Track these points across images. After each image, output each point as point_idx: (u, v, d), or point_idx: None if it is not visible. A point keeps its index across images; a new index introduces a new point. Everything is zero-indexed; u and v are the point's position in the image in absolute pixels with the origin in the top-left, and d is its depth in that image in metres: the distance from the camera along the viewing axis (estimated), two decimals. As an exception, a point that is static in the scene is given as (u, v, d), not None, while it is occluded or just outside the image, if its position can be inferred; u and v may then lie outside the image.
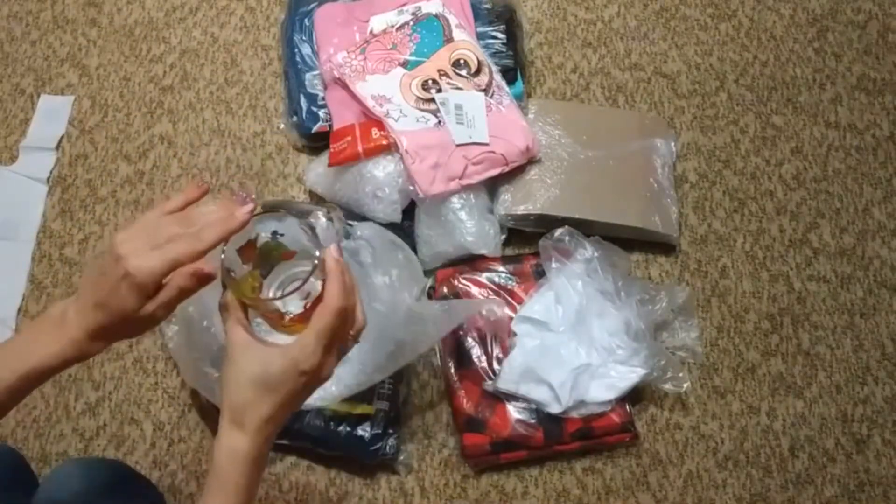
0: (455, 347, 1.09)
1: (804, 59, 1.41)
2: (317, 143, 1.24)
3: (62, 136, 1.29)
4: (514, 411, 1.06)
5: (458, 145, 1.13)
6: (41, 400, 1.10)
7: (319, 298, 0.61)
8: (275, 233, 0.63)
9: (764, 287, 1.22)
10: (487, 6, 1.30)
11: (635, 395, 1.11)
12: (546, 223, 1.16)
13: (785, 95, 1.38)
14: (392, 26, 1.24)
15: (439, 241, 1.13)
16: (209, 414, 1.08)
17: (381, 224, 1.13)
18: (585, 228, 1.14)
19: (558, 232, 1.13)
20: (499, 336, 1.10)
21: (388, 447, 1.03)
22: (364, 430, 1.02)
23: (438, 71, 1.19)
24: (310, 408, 1.01)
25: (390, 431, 1.04)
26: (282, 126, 1.29)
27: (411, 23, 1.23)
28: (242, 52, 1.36)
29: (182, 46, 1.37)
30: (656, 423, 1.12)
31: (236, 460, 0.59)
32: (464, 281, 1.13)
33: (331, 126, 1.19)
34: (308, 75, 1.26)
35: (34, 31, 1.38)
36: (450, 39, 1.22)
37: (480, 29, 1.28)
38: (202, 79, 1.34)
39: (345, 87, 1.18)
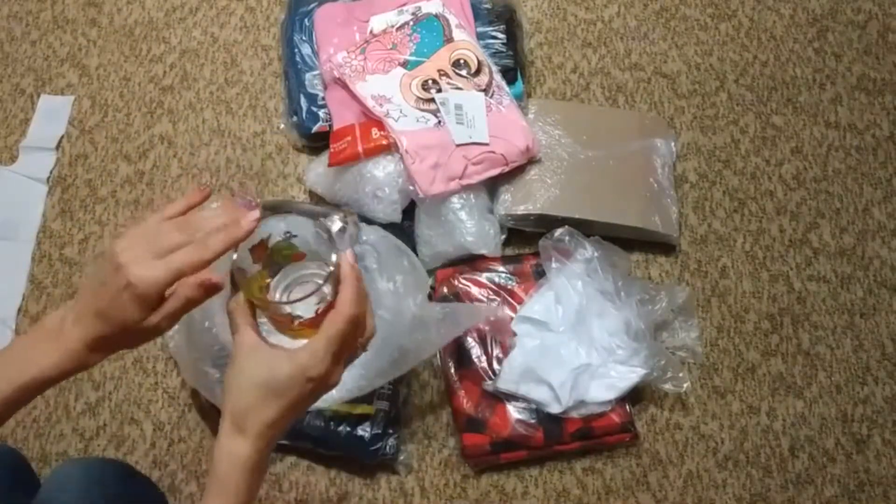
0: (455, 347, 1.09)
1: (804, 59, 1.41)
2: (317, 143, 1.24)
3: (62, 136, 1.29)
4: (514, 411, 1.06)
5: (458, 145, 1.13)
6: (41, 400, 1.10)
7: (331, 304, 0.60)
8: (288, 233, 0.62)
9: (764, 287, 1.22)
10: (487, 6, 1.30)
11: (635, 395, 1.11)
12: (546, 223, 1.16)
13: (785, 95, 1.38)
14: (392, 26, 1.24)
15: (439, 241, 1.13)
16: (209, 414, 1.08)
17: (380, 224, 1.13)
18: (585, 228, 1.14)
19: (558, 232, 1.13)
20: (499, 336, 1.10)
21: (388, 447, 1.03)
22: (364, 430, 1.02)
23: (438, 71, 1.19)
24: (310, 409, 1.01)
25: (390, 431, 1.04)
26: (282, 126, 1.29)
27: (411, 23, 1.23)
28: (242, 52, 1.36)
29: (182, 46, 1.37)
30: (656, 423, 1.12)
31: (236, 466, 0.58)
32: (464, 281, 1.13)
33: (331, 126, 1.19)
34: (308, 75, 1.26)
35: (34, 31, 1.38)
36: (450, 39, 1.22)
37: (480, 29, 1.28)
38: (202, 79, 1.34)
39: (345, 87, 1.18)
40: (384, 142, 1.11)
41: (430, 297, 1.12)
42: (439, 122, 1.14)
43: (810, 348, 1.18)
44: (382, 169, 1.11)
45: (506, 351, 1.08)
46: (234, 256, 0.59)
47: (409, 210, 1.16)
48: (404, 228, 1.16)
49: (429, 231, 1.14)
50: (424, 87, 1.17)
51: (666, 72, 1.38)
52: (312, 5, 1.31)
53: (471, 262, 1.15)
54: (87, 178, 1.26)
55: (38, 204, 1.23)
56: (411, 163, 1.09)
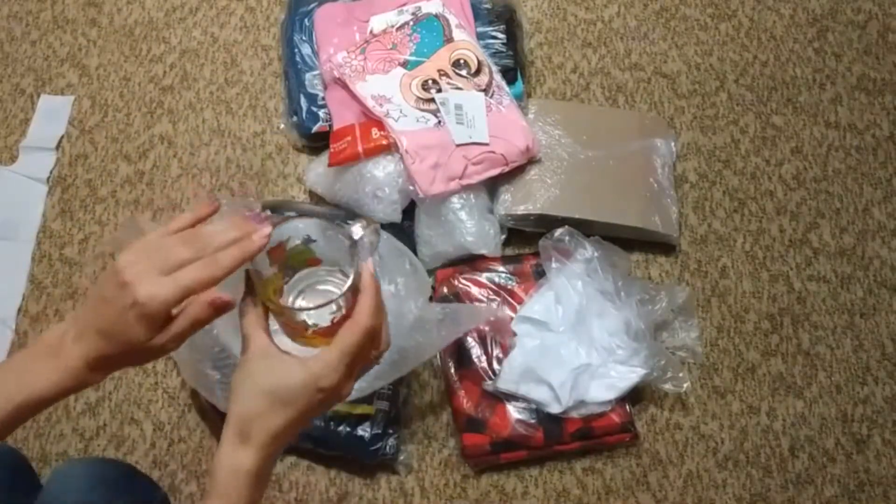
0: (455, 347, 1.09)
1: (804, 59, 1.41)
2: (317, 143, 1.24)
3: (62, 136, 1.29)
4: (514, 411, 1.06)
5: (458, 145, 1.13)
6: (41, 400, 1.10)
7: (347, 314, 0.58)
8: (308, 238, 0.60)
9: (764, 287, 1.22)
10: (487, 6, 1.30)
11: (635, 395, 1.11)
12: (546, 223, 1.16)
13: (785, 95, 1.38)
14: (392, 26, 1.24)
15: (439, 241, 1.13)
16: (209, 414, 1.08)
17: (381, 225, 1.13)
18: (585, 228, 1.14)
19: (558, 232, 1.13)
20: (499, 336, 1.10)
21: (388, 447, 1.03)
22: (364, 430, 1.02)
23: (438, 71, 1.19)
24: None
25: (390, 431, 1.04)
26: (282, 126, 1.29)
27: (411, 23, 1.23)
28: (242, 52, 1.36)
29: (182, 46, 1.37)
30: (656, 423, 1.12)
31: (238, 474, 0.56)
32: (464, 281, 1.13)
33: (331, 126, 1.19)
34: (308, 75, 1.26)
35: (34, 31, 1.38)
36: (450, 39, 1.22)
37: (480, 29, 1.28)
38: (202, 79, 1.34)
39: (345, 87, 1.18)
40: (384, 142, 1.11)
41: (430, 298, 1.12)
42: (439, 122, 1.14)
43: (810, 348, 1.18)
44: (382, 169, 1.11)
45: (506, 351, 1.08)
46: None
47: (409, 210, 1.16)
48: (404, 228, 1.16)
49: (429, 231, 1.14)
50: (424, 87, 1.17)
51: (666, 72, 1.38)
52: (312, 5, 1.31)
53: (471, 262, 1.15)
54: (87, 178, 1.26)
55: (38, 204, 1.23)
56: (411, 163, 1.09)
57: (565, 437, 1.05)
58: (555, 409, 1.04)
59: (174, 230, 0.58)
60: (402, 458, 1.06)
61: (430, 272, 1.14)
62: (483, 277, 1.14)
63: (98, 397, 1.10)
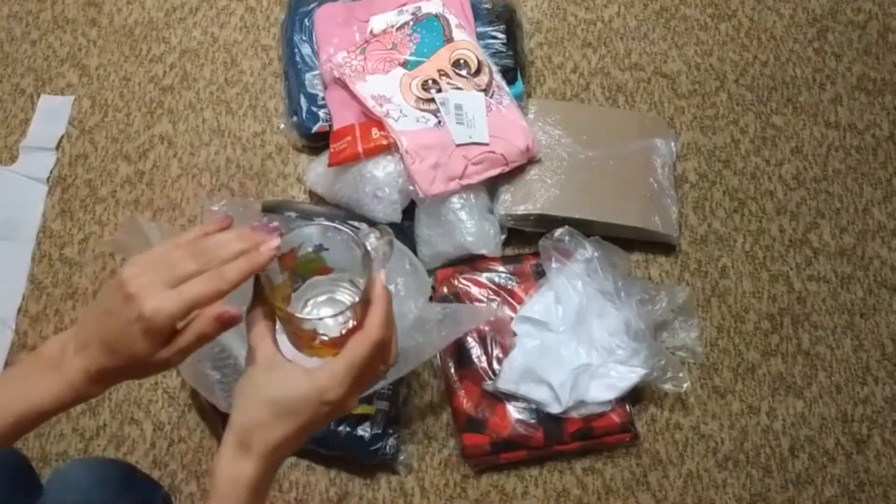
0: (455, 347, 1.09)
1: (804, 59, 1.41)
2: (317, 143, 1.24)
3: (62, 136, 1.29)
4: (514, 411, 1.06)
5: (458, 145, 1.13)
6: (41, 400, 1.10)
7: (356, 325, 0.57)
8: (320, 245, 0.59)
9: (764, 287, 1.22)
10: (487, 6, 1.30)
11: (635, 395, 1.11)
12: (546, 223, 1.16)
13: (785, 95, 1.38)
14: (392, 26, 1.24)
15: (439, 241, 1.13)
16: (209, 414, 1.08)
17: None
18: (585, 228, 1.14)
19: (558, 232, 1.13)
20: (499, 336, 1.10)
21: (388, 447, 1.03)
22: (364, 430, 1.02)
23: (438, 71, 1.19)
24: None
25: (390, 431, 1.04)
26: (282, 126, 1.29)
27: (411, 23, 1.23)
28: (242, 52, 1.36)
29: (182, 46, 1.37)
30: (656, 423, 1.12)
31: (238, 485, 0.54)
32: (464, 281, 1.13)
33: (331, 126, 1.19)
34: (308, 75, 1.26)
35: (34, 31, 1.38)
36: (450, 39, 1.22)
37: (480, 29, 1.28)
38: (202, 79, 1.34)
39: (345, 87, 1.18)
40: (384, 142, 1.11)
41: (430, 298, 1.12)
42: (439, 122, 1.14)
43: (810, 348, 1.18)
44: (382, 169, 1.11)
45: (506, 351, 1.08)
46: None
47: (409, 210, 1.16)
48: (404, 228, 1.16)
49: (429, 231, 1.14)
50: (424, 87, 1.17)
51: (666, 72, 1.38)
52: (312, 5, 1.31)
53: (471, 262, 1.15)
54: (87, 178, 1.26)
55: (38, 204, 1.23)
56: (411, 163, 1.09)
57: (565, 437, 1.05)
58: (555, 409, 1.04)
59: (181, 243, 0.56)
60: (402, 458, 1.06)
61: (430, 272, 1.14)
62: (483, 277, 1.14)
63: (98, 397, 1.10)
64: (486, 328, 1.09)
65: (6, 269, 1.18)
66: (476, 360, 1.09)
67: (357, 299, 0.57)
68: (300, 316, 0.58)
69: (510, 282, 1.14)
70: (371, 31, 1.25)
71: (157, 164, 1.27)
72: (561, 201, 1.17)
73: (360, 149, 1.11)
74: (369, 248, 0.58)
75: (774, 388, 1.15)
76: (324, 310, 0.60)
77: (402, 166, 1.11)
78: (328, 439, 1.02)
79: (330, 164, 1.13)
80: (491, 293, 1.13)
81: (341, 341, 0.57)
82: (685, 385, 1.08)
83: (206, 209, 1.08)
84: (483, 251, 1.14)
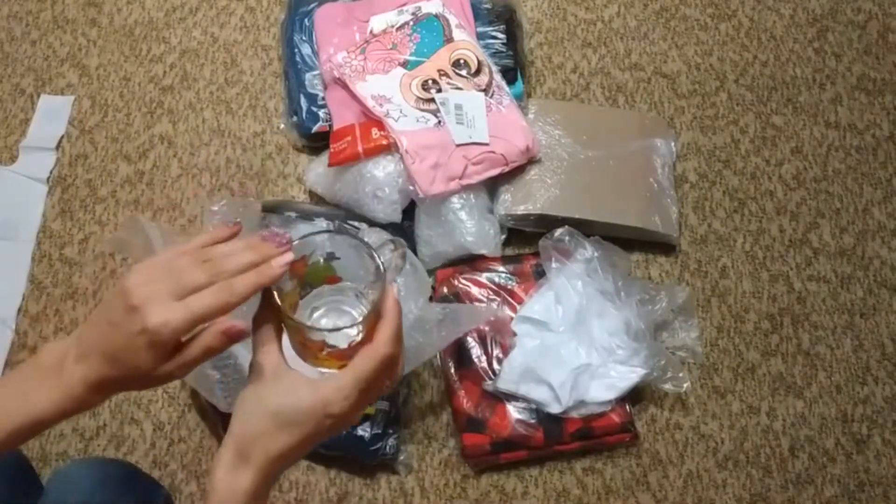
0: (455, 347, 1.09)
1: (804, 59, 1.42)
2: (317, 143, 1.24)
3: (62, 136, 1.29)
4: (514, 411, 1.06)
5: (458, 145, 1.13)
6: (41, 400, 1.10)
7: (365, 338, 0.55)
8: (331, 254, 0.57)
9: (764, 287, 1.22)
10: (487, 6, 1.30)
11: (635, 395, 1.11)
12: (546, 223, 1.16)
13: (785, 95, 1.38)
14: (392, 26, 1.24)
15: (439, 241, 1.13)
16: (209, 414, 1.08)
17: (380, 224, 1.13)
18: (585, 228, 1.14)
19: (558, 232, 1.13)
20: (499, 336, 1.10)
21: (388, 447, 1.03)
22: (364, 430, 1.02)
23: (438, 71, 1.19)
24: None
25: (390, 431, 1.04)
26: (282, 126, 1.29)
27: (411, 23, 1.23)
28: (242, 52, 1.36)
29: (182, 46, 1.37)
30: (656, 423, 1.12)
31: (236, 496, 0.53)
32: (464, 281, 1.13)
33: (331, 126, 1.19)
34: (308, 75, 1.26)
35: (34, 31, 1.38)
36: (450, 39, 1.22)
37: (480, 29, 1.28)
38: (202, 79, 1.34)
39: (345, 87, 1.18)
40: (384, 142, 1.11)
41: (431, 298, 1.12)
42: (439, 122, 1.14)
43: (810, 348, 1.18)
44: (382, 169, 1.11)
45: (506, 351, 1.08)
46: None
47: (409, 210, 1.16)
48: (404, 228, 1.16)
49: (429, 231, 1.14)
50: (424, 87, 1.17)
51: (666, 72, 1.38)
52: (312, 5, 1.31)
53: (471, 262, 1.15)
54: (87, 178, 1.26)
55: (38, 204, 1.23)
56: (411, 163, 1.09)
57: (565, 437, 1.05)
58: (555, 409, 1.04)
59: (188, 251, 0.54)
60: (402, 458, 1.06)
61: (430, 272, 1.14)
62: (483, 277, 1.14)
63: (98, 397, 1.10)
64: (486, 328, 1.09)
65: (6, 269, 1.18)
66: (476, 360, 1.09)
67: (366, 311, 0.55)
68: (310, 326, 0.57)
69: (510, 282, 1.14)
70: (371, 31, 1.25)
71: (157, 164, 1.27)
72: (561, 201, 1.17)
73: (360, 149, 1.11)
74: (383, 260, 0.57)
75: (774, 388, 1.15)
76: (337, 320, 0.59)
77: (402, 166, 1.11)
78: (328, 439, 1.02)
79: (330, 164, 1.13)
80: (491, 293, 1.13)
81: (348, 353, 0.56)
82: (685, 385, 1.08)
83: (206, 209, 1.08)
84: (483, 251, 1.14)
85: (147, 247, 0.86)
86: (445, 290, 1.12)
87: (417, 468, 1.08)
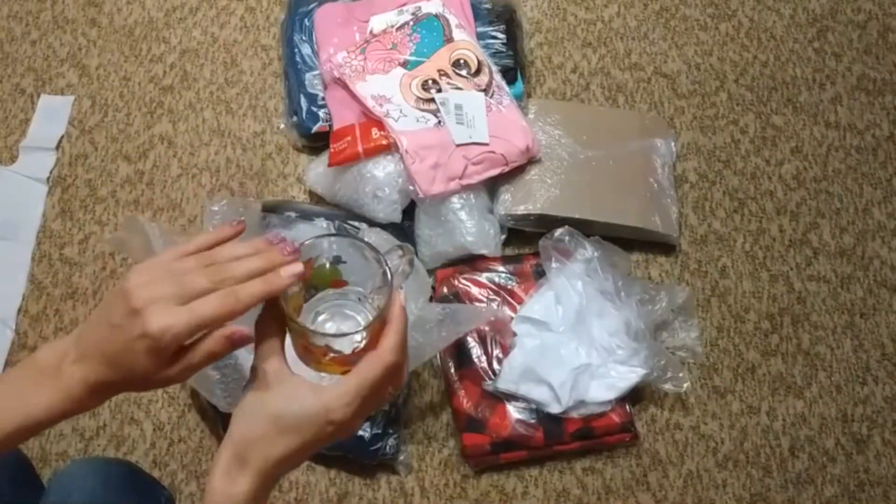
0: (455, 347, 1.09)
1: (804, 59, 1.42)
2: (317, 143, 1.24)
3: (62, 136, 1.29)
4: (514, 411, 1.06)
5: (458, 145, 1.13)
6: (41, 400, 1.10)
7: (369, 345, 0.54)
8: (338, 258, 0.57)
9: (764, 287, 1.22)
10: (487, 6, 1.30)
11: (635, 395, 1.11)
12: (546, 223, 1.16)
13: (785, 95, 1.38)
14: (392, 26, 1.24)
15: (439, 241, 1.13)
16: (209, 414, 1.08)
17: (380, 224, 1.13)
18: (585, 228, 1.14)
19: (558, 232, 1.13)
20: (499, 336, 1.10)
21: (388, 447, 1.03)
22: (364, 430, 1.02)
23: (438, 71, 1.19)
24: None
25: (390, 431, 1.04)
26: (282, 126, 1.29)
27: (411, 23, 1.23)
28: (242, 52, 1.36)
29: (182, 46, 1.37)
30: (656, 423, 1.12)
31: (233, 501, 0.52)
32: (464, 281, 1.13)
33: (331, 126, 1.19)
34: (308, 75, 1.26)
35: (34, 31, 1.38)
36: (450, 39, 1.22)
37: (480, 29, 1.28)
38: (202, 79, 1.34)
39: (345, 87, 1.18)
40: (384, 142, 1.11)
41: (431, 298, 1.12)
42: (439, 122, 1.14)
43: (810, 348, 1.18)
44: (382, 169, 1.11)
45: (506, 351, 1.08)
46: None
47: (409, 210, 1.16)
48: (404, 228, 1.16)
49: (429, 231, 1.14)
50: (424, 87, 1.17)
51: (666, 72, 1.38)
52: (312, 5, 1.31)
53: (471, 262, 1.15)
54: (87, 178, 1.26)
55: (38, 204, 1.23)
56: (411, 163, 1.09)
57: (565, 437, 1.05)
58: (555, 409, 1.04)
59: (191, 251, 0.53)
60: (402, 458, 1.06)
61: (430, 272, 1.14)
62: (483, 277, 1.14)
63: (98, 397, 1.10)
64: (486, 328, 1.09)
65: (6, 269, 1.18)
66: (476, 360, 1.09)
67: (372, 317, 0.55)
68: (316, 330, 0.56)
69: (510, 282, 1.14)
70: (371, 31, 1.25)
71: (157, 164, 1.27)
72: (561, 201, 1.17)
73: (360, 149, 1.11)
74: (390, 265, 0.56)
75: (774, 388, 1.15)
76: (341, 325, 0.58)
77: (402, 166, 1.11)
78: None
79: (330, 164, 1.13)
80: (491, 293, 1.13)
81: (351, 359, 0.55)
82: (685, 385, 1.08)
83: (206, 209, 1.08)
84: (483, 251, 1.14)
85: (147, 247, 0.86)
86: (445, 290, 1.12)
87: (417, 468, 1.08)
